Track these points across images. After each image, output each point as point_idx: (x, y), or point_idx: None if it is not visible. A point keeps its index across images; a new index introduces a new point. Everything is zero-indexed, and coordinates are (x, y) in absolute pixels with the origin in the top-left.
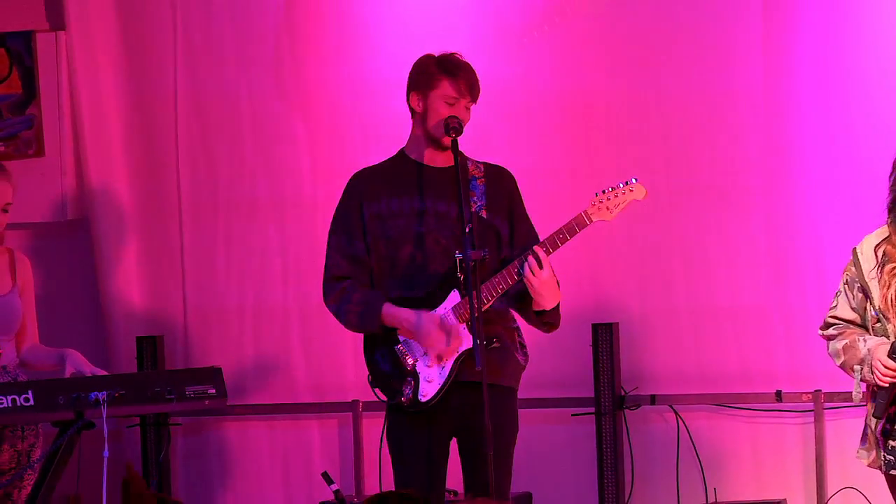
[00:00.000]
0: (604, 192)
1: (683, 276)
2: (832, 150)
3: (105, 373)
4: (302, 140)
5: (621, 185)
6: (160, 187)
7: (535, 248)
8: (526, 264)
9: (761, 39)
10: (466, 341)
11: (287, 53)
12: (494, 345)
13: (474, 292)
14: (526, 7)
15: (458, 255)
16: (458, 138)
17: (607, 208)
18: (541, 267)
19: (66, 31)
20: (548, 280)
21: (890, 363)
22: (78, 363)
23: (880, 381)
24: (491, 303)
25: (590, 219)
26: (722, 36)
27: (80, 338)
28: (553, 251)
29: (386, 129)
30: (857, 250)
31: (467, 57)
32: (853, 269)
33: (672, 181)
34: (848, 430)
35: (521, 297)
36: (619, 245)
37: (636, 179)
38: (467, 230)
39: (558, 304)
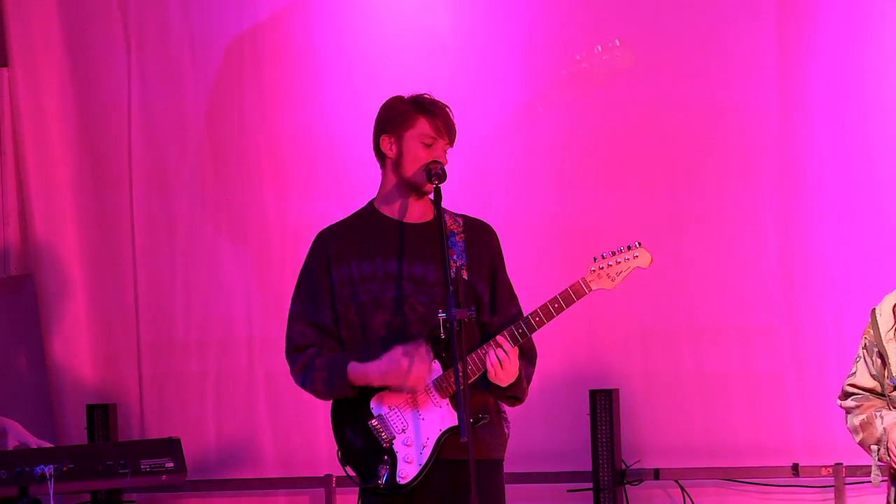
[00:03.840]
0: (603, 256)
1: (690, 337)
2: (853, 202)
3: (52, 445)
4: (269, 193)
5: (622, 250)
6: (112, 239)
7: (499, 338)
8: (489, 359)
9: (776, 89)
10: (450, 419)
11: (253, 97)
12: (483, 421)
13: (461, 351)
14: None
15: (442, 315)
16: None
17: (608, 276)
18: (509, 360)
19: (8, 68)
20: (511, 372)
21: None
22: (20, 435)
23: (895, 465)
24: (477, 375)
25: (588, 287)
26: (736, 86)
27: (24, 405)
28: (547, 322)
29: (357, 186)
30: (877, 311)
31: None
32: (871, 331)
33: (678, 234)
34: None
35: None
36: (618, 302)
37: (640, 243)
38: (451, 288)
39: (520, 377)
